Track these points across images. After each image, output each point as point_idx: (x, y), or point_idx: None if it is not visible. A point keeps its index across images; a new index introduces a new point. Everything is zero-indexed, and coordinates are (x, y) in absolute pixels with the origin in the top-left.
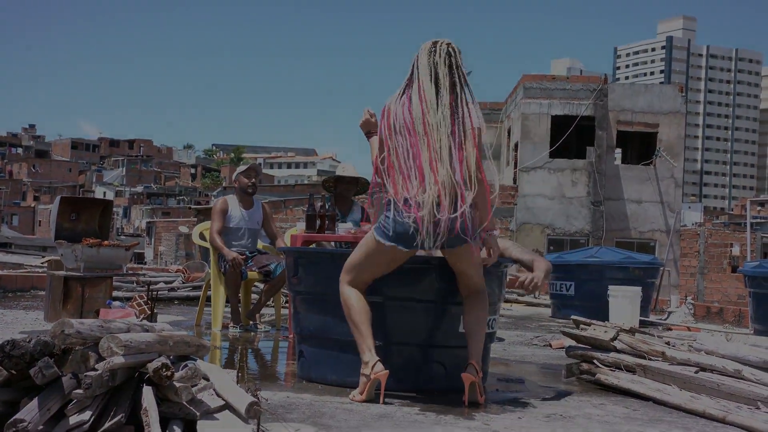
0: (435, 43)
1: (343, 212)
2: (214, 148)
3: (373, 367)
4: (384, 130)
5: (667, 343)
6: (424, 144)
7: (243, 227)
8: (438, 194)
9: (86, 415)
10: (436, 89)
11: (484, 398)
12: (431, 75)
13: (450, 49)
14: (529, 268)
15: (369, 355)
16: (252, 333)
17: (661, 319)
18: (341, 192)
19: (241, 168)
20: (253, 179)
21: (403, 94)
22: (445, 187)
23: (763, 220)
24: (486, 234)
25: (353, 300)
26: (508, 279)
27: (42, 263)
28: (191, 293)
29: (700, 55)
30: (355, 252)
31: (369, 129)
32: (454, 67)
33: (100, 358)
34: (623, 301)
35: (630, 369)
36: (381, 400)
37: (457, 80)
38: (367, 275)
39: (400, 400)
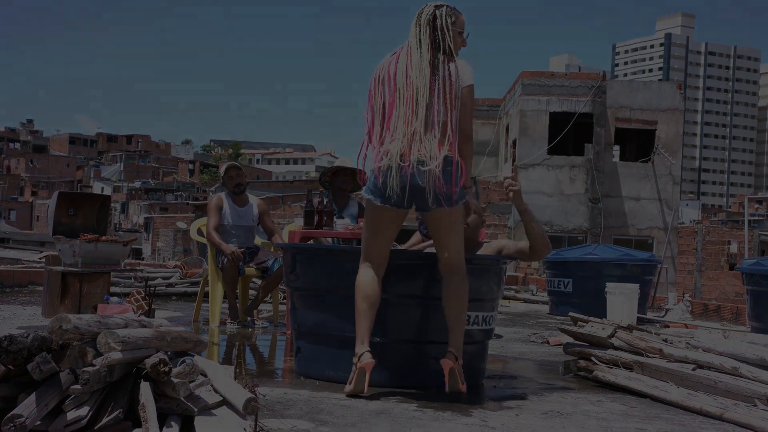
0: (424, 7)
1: (340, 207)
2: (212, 143)
3: (360, 357)
4: (371, 83)
5: (665, 341)
6: (402, 98)
7: (237, 224)
8: (405, 146)
9: (84, 410)
10: (420, 48)
11: (465, 386)
12: (417, 36)
13: (436, 12)
14: (526, 253)
15: (359, 345)
16: (249, 329)
17: (658, 317)
18: (339, 185)
19: (221, 170)
20: (237, 179)
21: (395, 53)
22: (415, 140)
23: (760, 218)
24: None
25: (360, 283)
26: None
27: (40, 258)
28: (189, 289)
29: (699, 53)
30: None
31: None
32: (438, 28)
33: (98, 354)
34: (621, 299)
35: (627, 366)
36: (365, 389)
37: (440, 40)
38: (374, 244)
39: (399, 396)
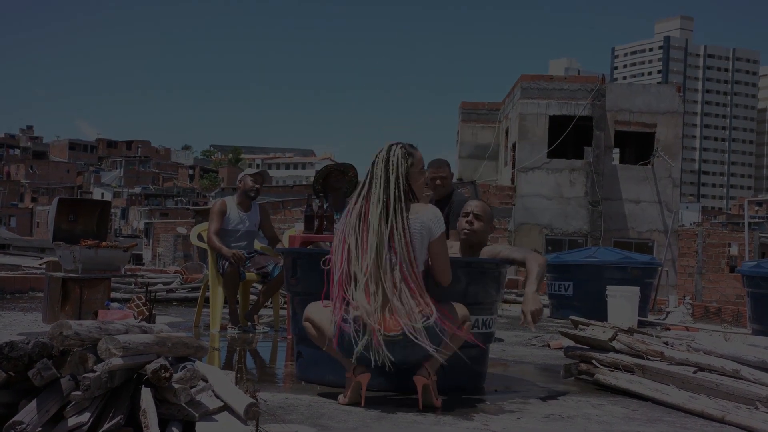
0: (379, 152)
1: (338, 210)
2: (212, 149)
3: (354, 369)
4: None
5: (666, 343)
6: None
7: (240, 229)
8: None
9: (85, 416)
10: (378, 202)
11: (440, 401)
12: (376, 185)
13: (389, 156)
14: (523, 265)
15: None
16: (250, 334)
17: (659, 319)
18: (332, 185)
19: (251, 170)
20: (259, 184)
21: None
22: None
23: (760, 220)
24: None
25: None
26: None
27: (40, 265)
28: (189, 294)
29: (698, 55)
30: None
31: None
32: (394, 175)
33: (99, 360)
34: (621, 301)
35: (628, 369)
36: (362, 402)
37: (395, 189)
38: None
39: (399, 401)
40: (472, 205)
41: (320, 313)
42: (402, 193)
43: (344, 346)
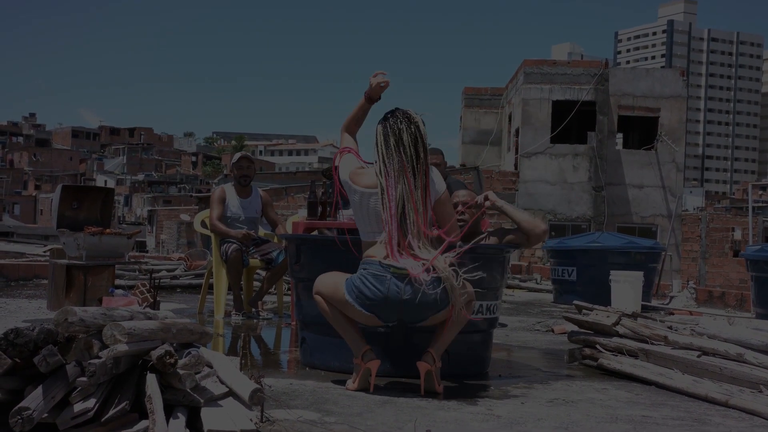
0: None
1: (345, 198)
2: (214, 135)
3: (362, 355)
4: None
5: (670, 328)
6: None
7: (241, 216)
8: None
9: (90, 402)
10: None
11: (441, 387)
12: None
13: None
14: (520, 239)
15: (358, 344)
16: (254, 320)
17: (663, 304)
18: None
19: (234, 158)
20: (245, 170)
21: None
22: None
23: (764, 204)
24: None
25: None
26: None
27: (44, 252)
28: (193, 281)
29: (701, 39)
30: None
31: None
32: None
33: (104, 346)
34: (625, 286)
35: (632, 354)
36: (371, 388)
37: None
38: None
39: (403, 386)
40: (460, 195)
41: (331, 279)
42: (427, 160)
43: (360, 295)
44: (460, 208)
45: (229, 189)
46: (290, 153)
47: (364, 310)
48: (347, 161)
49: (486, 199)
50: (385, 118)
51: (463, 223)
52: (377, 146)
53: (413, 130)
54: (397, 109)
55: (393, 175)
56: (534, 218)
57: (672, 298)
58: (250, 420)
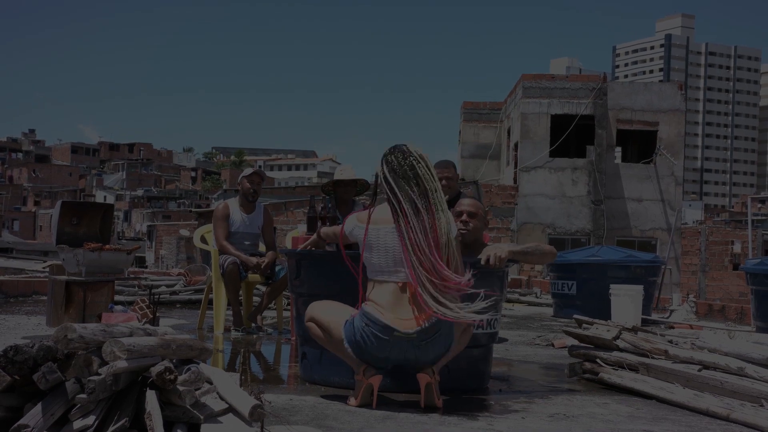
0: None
1: (343, 214)
2: (214, 150)
3: (364, 371)
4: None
5: (670, 342)
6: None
7: (244, 231)
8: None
9: (90, 419)
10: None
11: (441, 401)
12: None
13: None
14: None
15: (357, 362)
16: (254, 336)
17: (663, 318)
18: (340, 195)
19: (246, 171)
20: (256, 185)
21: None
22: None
23: (764, 218)
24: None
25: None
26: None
27: (43, 268)
28: (193, 296)
29: (699, 53)
30: None
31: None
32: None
33: (104, 363)
34: (625, 300)
35: (633, 368)
36: (374, 404)
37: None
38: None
39: (404, 401)
40: (465, 204)
41: (328, 314)
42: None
43: (358, 346)
44: (464, 217)
45: (233, 204)
46: (289, 168)
47: (359, 360)
48: (350, 219)
49: (488, 261)
50: (387, 161)
51: (466, 233)
52: (386, 183)
53: (424, 164)
54: (396, 146)
55: (411, 212)
56: (540, 249)
57: (672, 311)
58: None
